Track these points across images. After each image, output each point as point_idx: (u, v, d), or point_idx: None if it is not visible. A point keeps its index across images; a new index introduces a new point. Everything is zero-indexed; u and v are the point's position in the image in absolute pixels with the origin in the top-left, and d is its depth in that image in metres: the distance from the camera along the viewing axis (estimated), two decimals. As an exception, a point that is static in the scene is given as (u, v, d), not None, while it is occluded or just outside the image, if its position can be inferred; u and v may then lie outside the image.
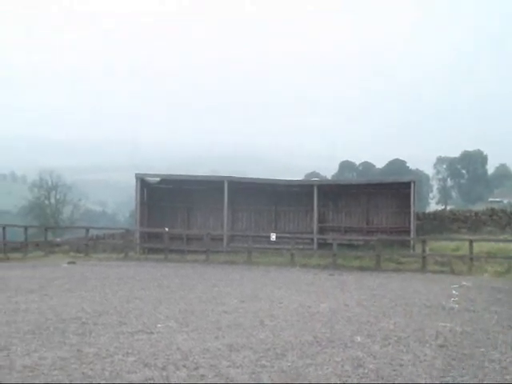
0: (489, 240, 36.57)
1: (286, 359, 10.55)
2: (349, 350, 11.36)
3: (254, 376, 9.32)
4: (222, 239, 40.32)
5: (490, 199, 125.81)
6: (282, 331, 13.27)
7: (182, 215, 44.69)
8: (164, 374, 9.39)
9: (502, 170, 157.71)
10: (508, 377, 9.56)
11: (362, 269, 32.80)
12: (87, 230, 41.42)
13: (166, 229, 39.52)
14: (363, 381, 9.16)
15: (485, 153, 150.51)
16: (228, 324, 14.12)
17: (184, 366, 9.87)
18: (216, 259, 36.29)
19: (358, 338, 12.58)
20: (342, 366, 10.08)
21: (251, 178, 46.07)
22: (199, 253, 37.61)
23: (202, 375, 9.33)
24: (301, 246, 37.94)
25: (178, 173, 55.44)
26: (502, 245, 35.31)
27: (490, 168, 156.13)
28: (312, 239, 39.72)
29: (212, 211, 43.91)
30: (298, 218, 43.72)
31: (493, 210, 45.18)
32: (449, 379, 9.34)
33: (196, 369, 9.73)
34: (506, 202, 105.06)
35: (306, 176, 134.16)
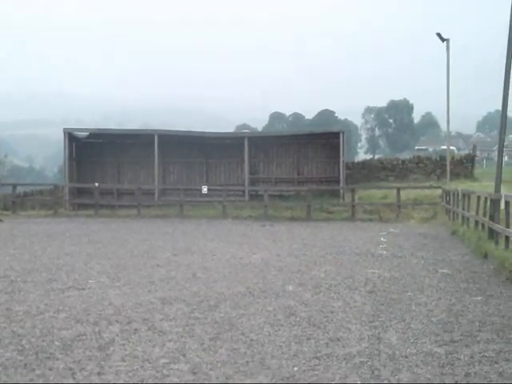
0: (415, 187, 37.50)
1: (219, 310, 10.62)
2: (281, 299, 11.52)
3: (187, 328, 9.36)
4: (153, 193, 40.14)
5: (417, 147, 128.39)
6: (214, 283, 13.35)
7: (113, 170, 44.15)
8: (96, 329, 9.34)
9: (427, 119, 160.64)
10: (434, 319, 9.87)
11: (293, 219, 33.20)
12: (14, 186, 40.48)
13: (96, 184, 39.00)
14: (295, 328, 9.31)
15: (411, 102, 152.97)
16: (160, 278, 14.12)
17: (117, 321, 9.83)
18: (147, 213, 36.11)
19: (290, 287, 12.76)
20: (275, 315, 10.22)
21: (181, 131, 45.75)
22: (130, 207, 37.35)
23: (136, 329, 9.32)
24: (232, 198, 38.12)
25: (108, 127, 54.47)
26: (427, 192, 36.27)
27: (416, 116, 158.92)
28: (243, 191, 39.92)
29: (143, 165, 43.52)
30: (229, 170, 43.76)
31: (419, 157, 46.21)
32: (377, 324, 9.59)
33: (129, 323, 9.71)
34: (431, 149, 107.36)
35: (236, 128, 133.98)
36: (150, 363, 7.66)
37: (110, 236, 24.33)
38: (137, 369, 7.43)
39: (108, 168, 44.04)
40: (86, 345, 8.47)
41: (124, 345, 8.48)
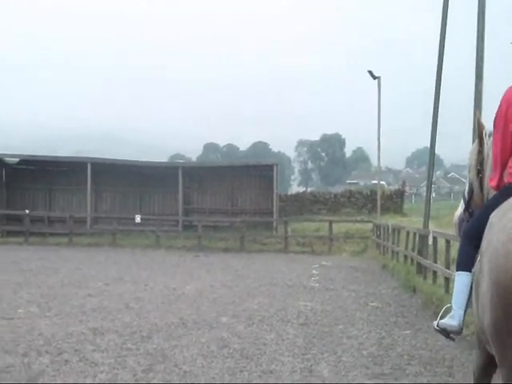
0: (347, 221, 38.06)
1: (152, 341, 10.58)
2: (214, 331, 11.55)
3: (119, 359, 9.29)
4: (85, 221, 39.58)
5: (348, 181, 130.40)
6: (147, 313, 13.28)
7: (44, 197, 43.32)
8: (26, 360, 9.18)
9: (358, 153, 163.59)
10: (364, 352, 10.06)
11: (226, 250, 33.26)
12: None
13: (27, 211, 38.27)
14: (228, 361, 9.35)
15: (343, 136, 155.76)
16: (92, 307, 13.96)
17: (47, 352, 9.68)
18: (80, 242, 35.61)
19: (223, 319, 12.80)
20: (208, 347, 10.24)
21: (115, 160, 45.32)
22: (62, 235, 36.76)
23: (66, 360, 9.20)
24: (166, 228, 37.94)
25: (41, 153, 53.58)
26: (358, 225, 36.87)
27: (348, 151, 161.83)
28: (177, 221, 39.77)
29: (75, 193, 42.87)
30: (163, 199, 43.55)
31: (350, 191, 47.01)
32: (310, 356, 9.71)
33: (60, 354, 9.58)
34: (362, 183, 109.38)
35: (171, 158, 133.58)
36: (81, 395, 7.59)
37: (41, 264, 23.90)
38: (68, 401, 7.34)
39: (39, 195, 43.23)
40: (15, 376, 8.33)
41: (54, 376, 8.37)
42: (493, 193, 4.88)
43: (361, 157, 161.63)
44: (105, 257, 27.93)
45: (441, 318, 4.94)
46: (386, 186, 73.67)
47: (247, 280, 19.93)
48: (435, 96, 20.65)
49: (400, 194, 44.85)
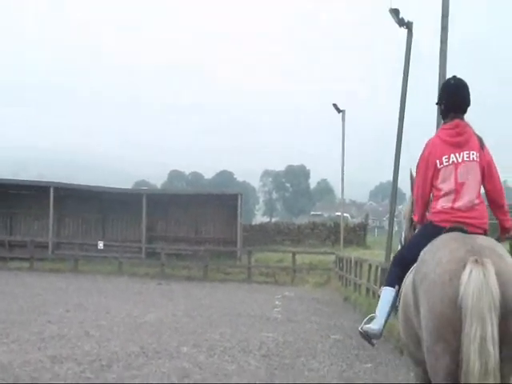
0: (310, 252, 38.20)
1: (112, 371, 10.44)
2: (175, 361, 11.44)
3: (78, 389, 9.17)
4: (46, 246, 39.10)
5: (312, 212, 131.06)
6: (107, 342, 13.11)
7: (5, 221, 42.74)
8: (-18, 388, 9.00)
9: (323, 185, 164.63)
10: (326, 385, 10.06)
11: (190, 279, 33.08)
12: None
13: (-14, 235, 37.68)
14: (189, 391, 9.28)
15: (308, 167, 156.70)
16: (51, 335, 13.74)
17: (3, 380, 9.49)
18: (41, 267, 35.12)
19: (185, 349, 12.69)
20: (169, 377, 10.14)
21: (78, 185, 45.03)
22: (23, 260, 36.22)
23: (24, 389, 9.04)
24: (129, 255, 37.62)
25: (2, 176, 52.85)
26: (322, 257, 37.02)
27: (313, 182, 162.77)
28: (140, 248, 39.50)
29: (37, 217, 42.37)
30: (126, 226, 43.27)
31: (314, 223, 47.28)
32: (271, 388, 9.68)
33: (16, 382, 9.39)
34: (326, 215, 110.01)
35: (135, 184, 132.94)
36: (38, 425, 7.45)
37: (0, 289, 23.48)
38: (25, 431, 7.20)
39: (0, 218, 42.65)
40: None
41: (11, 405, 8.20)
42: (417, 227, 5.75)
43: (325, 189, 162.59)
44: (66, 283, 27.57)
45: (365, 324, 5.78)
46: (349, 218, 74.28)
47: (210, 309, 19.82)
48: (398, 131, 20.98)
49: (363, 227, 45.21)
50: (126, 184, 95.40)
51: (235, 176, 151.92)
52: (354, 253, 31.78)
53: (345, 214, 50.95)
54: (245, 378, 10.29)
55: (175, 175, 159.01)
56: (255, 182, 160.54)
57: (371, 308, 18.91)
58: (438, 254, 4.82)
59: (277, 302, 22.90)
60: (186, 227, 43.47)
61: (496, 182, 5.44)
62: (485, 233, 5.20)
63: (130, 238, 42.07)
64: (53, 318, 16.22)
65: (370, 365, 11.85)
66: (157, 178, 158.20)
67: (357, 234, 43.76)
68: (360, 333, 5.91)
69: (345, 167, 37.69)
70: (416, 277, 4.97)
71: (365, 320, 5.96)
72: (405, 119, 21.12)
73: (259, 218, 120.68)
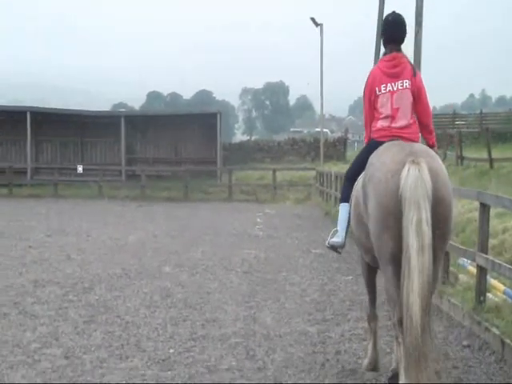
0: (290, 169, 38.25)
1: (94, 293, 10.46)
2: (157, 281, 11.48)
3: (60, 311, 9.17)
4: (25, 172, 38.79)
5: (292, 129, 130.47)
6: (89, 265, 13.12)
7: (-19, 148, 42.26)
8: (-37, 314, 8.98)
9: (302, 101, 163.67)
10: (307, 298, 10.14)
11: (170, 199, 33.09)
12: None
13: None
14: (172, 310, 9.32)
15: (287, 84, 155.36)
16: (33, 259, 13.73)
17: (-16, 306, 9.48)
18: (19, 193, 34.93)
19: (167, 269, 12.74)
20: (151, 297, 10.18)
21: (55, 109, 44.45)
22: (1, 186, 35.95)
23: (5, 313, 9.03)
24: (109, 178, 37.47)
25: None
26: (302, 173, 37.12)
27: (292, 99, 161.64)
28: (120, 171, 39.33)
29: (14, 143, 41.93)
30: (105, 149, 42.97)
31: (294, 139, 47.15)
32: (253, 304, 9.74)
33: (-1, 307, 9.40)
34: (306, 131, 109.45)
35: (113, 107, 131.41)
36: (20, 348, 7.47)
37: (-21, 216, 23.36)
38: (6, 354, 7.22)
39: (-24, 146, 42.16)
40: (-48, 331, 8.13)
41: (-7, 330, 8.21)
42: None
43: (304, 105, 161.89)
44: (46, 208, 27.46)
45: (330, 239, 6.78)
46: (329, 133, 74.11)
47: (191, 229, 19.87)
48: (376, 44, 20.66)
49: (343, 142, 45.17)
50: (103, 107, 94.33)
51: (214, 95, 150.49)
52: (334, 167, 31.83)
53: (324, 130, 50.70)
54: (227, 295, 10.36)
55: (154, 96, 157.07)
56: (235, 101, 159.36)
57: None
58: (382, 157, 5.78)
59: (258, 220, 22.98)
60: (166, 148, 43.25)
61: (424, 105, 6.36)
62: None
63: (109, 161, 41.86)
64: (34, 243, 16.19)
65: (350, 277, 11.97)
66: (135, 100, 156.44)
67: (336, 149, 43.75)
68: (327, 246, 6.96)
69: (324, 82, 37.30)
70: (365, 178, 5.91)
71: (330, 235, 6.86)
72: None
73: (239, 137, 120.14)
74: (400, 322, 5.51)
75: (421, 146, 5.93)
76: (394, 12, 6.51)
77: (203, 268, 12.85)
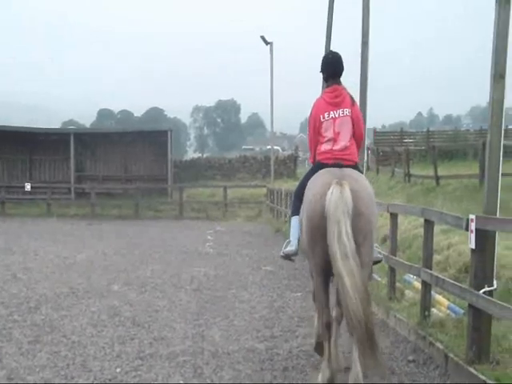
0: (241, 186, 38.30)
1: (40, 312, 10.31)
2: (105, 300, 11.37)
3: (4, 332, 9.01)
4: (-29, 190, 38.00)
5: (244, 147, 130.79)
6: (36, 284, 12.92)
7: None
8: None
9: (254, 119, 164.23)
10: (256, 315, 10.16)
11: (121, 217, 32.82)
12: None
13: None
14: (119, 329, 9.23)
15: (238, 102, 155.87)
16: (-23, 279, 13.45)
17: None
18: (-35, 212, 34.23)
19: (115, 287, 12.62)
20: (98, 316, 10.08)
21: (3, 126, 43.73)
22: None
23: None
24: (58, 196, 36.96)
25: None
26: (253, 190, 37.23)
27: (243, 117, 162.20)
28: (69, 189, 38.85)
29: (-41, 161, 41.10)
30: (54, 167, 42.40)
31: (245, 157, 47.23)
32: (202, 321, 9.72)
33: None
34: (257, 149, 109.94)
35: (63, 124, 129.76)
36: (-37, 370, 7.30)
37: None
38: None
39: None
40: None
41: None
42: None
43: (256, 122, 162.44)
44: (-8, 227, 26.97)
45: (284, 248, 7.53)
46: (280, 151, 74.48)
47: (141, 247, 19.73)
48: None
49: (293, 159, 45.39)
50: (53, 124, 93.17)
51: (166, 113, 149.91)
52: (284, 184, 32.01)
53: (276, 147, 51.04)
54: (176, 313, 10.32)
55: (104, 114, 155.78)
56: (186, 119, 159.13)
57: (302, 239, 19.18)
58: (315, 181, 6.73)
59: (208, 237, 22.95)
60: (116, 166, 42.90)
61: (360, 129, 7.22)
62: (355, 164, 7.07)
63: (58, 179, 41.35)
64: (-22, 263, 15.87)
65: (299, 293, 12.04)
66: (85, 118, 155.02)
67: (287, 166, 43.95)
68: (281, 256, 7.69)
69: (275, 100, 37.58)
70: (304, 198, 6.86)
71: (284, 245, 7.58)
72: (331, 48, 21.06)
73: (191, 154, 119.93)
74: (328, 324, 6.62)
75: (349, 171, 6.77)
76: (331, 51, 7.61)
77: (152, 286, 12.78)
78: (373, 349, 5.93)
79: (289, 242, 7.52)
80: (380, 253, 7.61)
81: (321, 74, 7.42)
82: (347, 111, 7.08)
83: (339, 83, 7.19)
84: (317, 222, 6.40)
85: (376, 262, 7.65)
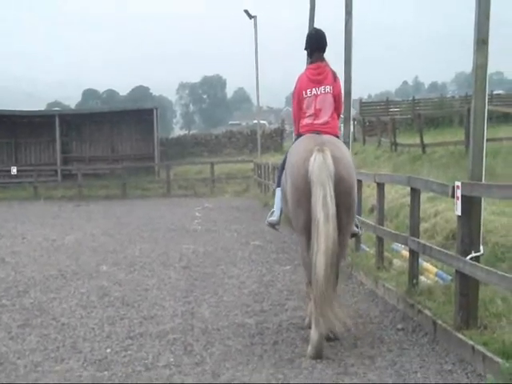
0: (228, 161, 38.21)
1: (29, 296, 10.27)
2: (94, 281, 11.34)
3: (-7, 317, 8.98)
4: (-43, 175, 37.80)
5: (230, 122, 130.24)
6: (24, 267, 12.86)
7: None
8: None
9: (240, 94, 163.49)
10: (245, 290, 10.16)
11: (108, 198, 32.72)
12: None
13: None
14: (109, 309, 9.22)
15: (224, 77, 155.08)
16: (-36, 265, 13.38)
17: None
18: (-49, 197, 34.02)
19: (104, 268, 12.59)
20: (88, 297, 10.05)
21: (-15, 110, 43.36)
22: None
23: None
24: (44, 179, 36.75)
25: None
26: (240, 165, 37.17)
27: (229, 92, 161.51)
28: (56, 171, 38.68)
29: None
30: (39, 149, 42.13)
31: (231, 132, 47.09)
32: (191, 299, 9.71)
33: None
34: (244, 124, 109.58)
35: (48, 106, 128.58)
36: (-49, 357, 7.27)
37: None
38: None
39: None
40: None
41: None
42: None
43: (242, 97, 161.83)
44: (-21, 212, 26.82)
45: (268, 218, 8.14)
46: (267, 125, 74.22)
47: (129, 227, 19.68)
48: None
49: (280, 133, 45.28)
50: (38, 107, 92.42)
51: (151, 91, 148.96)
52: (271, 159, 31.92)
53: (262, 121, 50.86)
54: (165, 291, 10.31)
55: (89, 94, 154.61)
56: (172, 96, 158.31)
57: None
58: (297, 147, 7.26)
59: (197, 214, 22.91)
60: (102, 146, 42.67)
61: (340, 105, 7.70)
62: (336, 136, 7.42)
63: (44, 161, 41.11)
64: (-34, 248, 15.79)
65: (288, 267, 12.06)
66: (70, 99, 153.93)
67: (274, 140, 43.81)
68: (266, 224, 8.35)
69: (260, 74, 37.37)
70: (286, 165, 7.43)
71: (268, 215, 8.19)
72: (315, 21, 20.85)
73: (178, 132, 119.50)
74: (311, 282, 6.90)
75: (329, 138, 7.18)
76: (315, 28, 8.12)
77: (141, 265, 12.75)
78: (331, 309, 6.52)
79: (273, 211, 8.06)
80: (358, 226, 7.89)
81: (305, 52, 7.73)
82: (329, 88, 7.44)
83: (323, 59, 7.51)
84: (301, 186, 6.87)
85: (353, 235, 7.94)
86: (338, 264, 6.92)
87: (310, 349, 6.82)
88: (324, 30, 7.68)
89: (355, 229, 7.71)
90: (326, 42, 7.60)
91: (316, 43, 7.57)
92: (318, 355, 6.72)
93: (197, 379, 6.40)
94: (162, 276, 11.58)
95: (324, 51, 7.57)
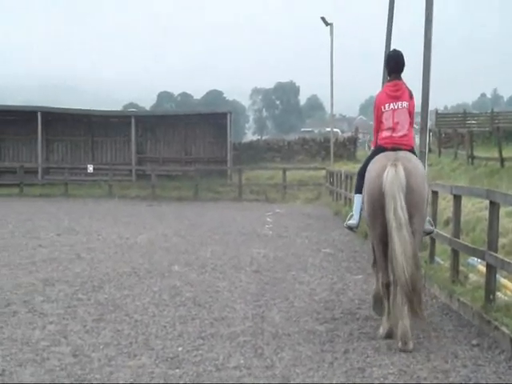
0: (300, 168, 38.17)
1: (103, 291, 10.48)
2: (166, 280, 11.49)
3: (69, 310, 9.19)
4: (36, 172, 38.93)
5: (303, 129, 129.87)
6: (99, 264, 13.14)
7: (-8, 147, 42.41)
8: (-27, 312, 9.00)
9: (313, 101, 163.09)
10: (316, 297, 10.12)
11: (180, 199, 33.12)
12: None
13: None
14: (180, 309, 9.32)
15: (297, 84, 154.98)
16: (43, 258, 13.76)
17: (-6, 304, 9.50)
18: (30, 192, 35.07)
19: (176, 268, 12.74)
20: (160, 296, 10.19)
21: (66, 109, 44.57)
22: (12, 186, 36.11)
23: (15, 311, 9.05)
24: (119, 178, 37.54)
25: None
26: (312, 173, 37.07)
27: (302, 99, 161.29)
28: (130, 170, 39.41)
29: (25, 143, 42.03)
30: (115, 149, 43.02)
31: (304, 139, 47.04)
32: (262, 303, 9.73)
33: (7, 305, 9.42)
34: (316, 131, 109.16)
35: (124, 107, 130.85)
36: (29, 346, 7.48)
37: (-10, 216, 23.44)
38: (15, 352, 7.23)
39: (-13, 145, 42.31)
40: (-38, 329, 8.15)
41: (2, 328, 8.24)
42: None
43: (315, 104, 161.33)
44: (56, 207, 27.55)
45: (348, 221, 8.76)
46: (340, 133, 73.80)
47: (200, 229, 19.87)
48: (386, 44, 20.55)
49: (353, 141, 45.00)
50: (114, 107, 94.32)
51: (225, 95, 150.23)
52: (344, 167, 31.77)
53: (335, 129, 50.59)
54: (236, 294, 10.35)
55: (164, 96, 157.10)
56: (245, 101, 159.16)
57: (361, 222, 18.99)
58: (373, 165, 7.92)
59: (268, 219, 22.96)
60: (176, 148, 43.26)
61: (413, 120, 8.32)
62: (412, 149, 8.15)
63: (119, 161, 41.96)
64: (44, 242, 16.23)
65: (360, 276, 11.94)
66: (146, 101, 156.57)
67: (347, 149, 43.57)
68: (345, 227, 9.00)
69: (334, 82, 37.22)
70: (364, 181, 8.05)
71: (347, 218, 8.82)
72: (393, 32, 20.66)
73: (250, 137, 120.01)
74: (387, 284, 7.79)
75: (403, 153, 7.84)
76: (394, 49, 8.63)
77: (212, 267, 12.85)
78: (419, 305, 7.24)
79: (352, 215, 8.72)
80: (432, 224, 8.71)
81: (384, 68, 8.46)
82: (405, 104, 8.12)
83: (400, 78, 8.21)
84: (376, 199, 7.60)
85: (428, 234, 8.85)
86: (418, 257, 7.51)
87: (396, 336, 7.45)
88: (401, 43, 8.41)
89: (430, 227, 8.45)
90: (403, 64, 8.23)
91: (395, 65, 8.22)
92: (406, 345, 7.26)
93: (267, 383, 6.40)
94: (232, 279, 11.64)
95: (401, 72, 8.22)
